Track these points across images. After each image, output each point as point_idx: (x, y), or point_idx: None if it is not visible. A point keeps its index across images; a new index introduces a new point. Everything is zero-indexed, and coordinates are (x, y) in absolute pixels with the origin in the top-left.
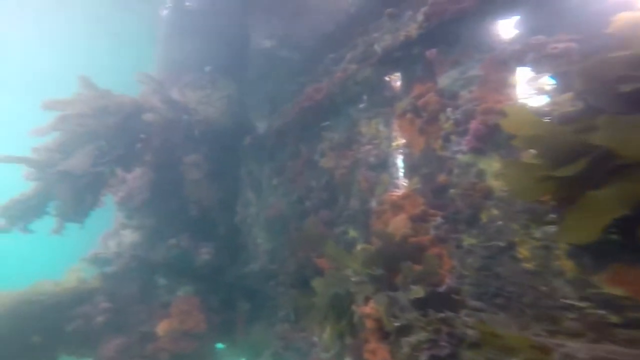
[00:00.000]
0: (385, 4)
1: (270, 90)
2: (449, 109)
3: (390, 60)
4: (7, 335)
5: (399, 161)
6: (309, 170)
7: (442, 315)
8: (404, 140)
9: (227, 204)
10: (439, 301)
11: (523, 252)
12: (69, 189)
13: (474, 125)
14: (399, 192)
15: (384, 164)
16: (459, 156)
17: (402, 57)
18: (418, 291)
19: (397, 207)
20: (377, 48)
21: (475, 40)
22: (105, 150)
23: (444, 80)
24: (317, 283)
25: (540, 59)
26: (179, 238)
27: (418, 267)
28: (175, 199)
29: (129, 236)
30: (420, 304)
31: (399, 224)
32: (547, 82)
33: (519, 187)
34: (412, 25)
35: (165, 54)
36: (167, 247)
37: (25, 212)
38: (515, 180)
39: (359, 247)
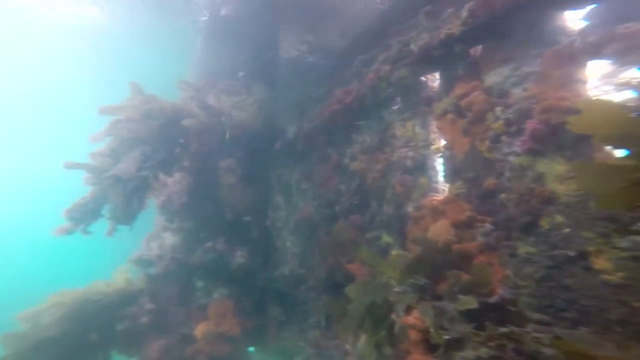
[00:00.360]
0: (421, 3)
1: (299, 94)
2: (498, 108)
3: (428, 60)
4: (70, 331)
5: (439, 164)
6: (339, 174)
7: (505, 329)
8: (444, 142)
9: (259, 207)
10: (493, 313)
11: (601, 262)
12: (120, 193)
13: (530, 124)
14: (440, 197)
15: (421, 167)
16: (512, 158)
17: (442, 56)
18: (469, 302)
19: (437, 212)
20: (414, 47)
21: (532, 35)
22: (149, 155)
23: (492, 77)
24: (351, 290)
25: (625, 50)
26: (215, 241)
27: (466, 276)
28: (211, 203)
29: (170, 239)
30: (472, 316)
31: (440, 230)
32: (634, 75)
33: (601, 193)
34: (454, 22)
35: (201, 61)
36: (203, 250)
37: (85, 215)
38: (595, 184)
39: (394, 253)
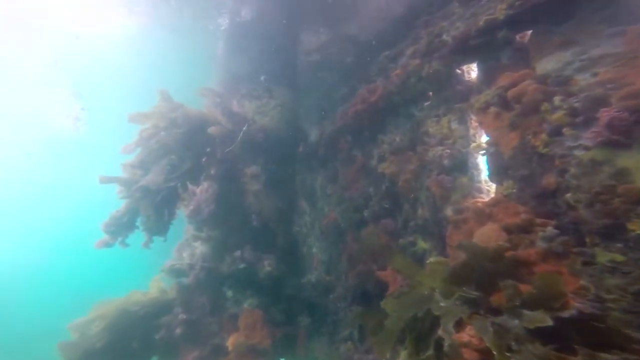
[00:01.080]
0: None
1: (321, 96)
2: (557, 98)
3: (465, 50)
4: (113, 341)
5: (481, 162)
6: (365, 177)
7: (608, 356)
8: (487, 138)
9: (284, 214)
10: (571, 330)
11: None
12: (150, 205)
13: (607, 113)
14: (485, 198)
15: (460, 167)
16: (579, 153)
17: (481, 45)
18: (541, 318)
19: (483, 215)
20: (447, 38)
21: (606, 13)
22: (176, 165)
23: (547, 64)
24: (388, 304)
25: None
26: (242, 250)
27: (526, 287)
28: (238, 211)
29: (200, 248)
30: (543, 334)
31: (488, 235)
32: None
33: None
34: (496, 6)
35: (223, 67)
36: (232, 259)
37: (121, 228)
38: None
39: (432, 260)
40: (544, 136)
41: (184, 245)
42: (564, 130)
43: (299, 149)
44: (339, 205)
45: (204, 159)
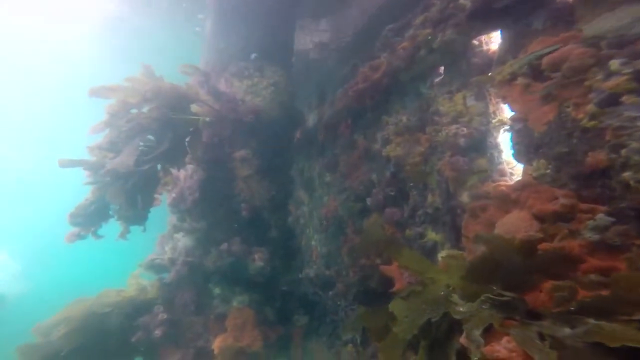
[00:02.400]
0: None
1: (319, 77)
2: (615, 61)
3: (487, 15)
4: (80, 347)
5: (503, 141)
6: (368, 163)
7: None
8: (511, 114)
9: (278, 203)
10: None
11: None
12: (119, 191)
13: None
14: (508, 181)
15: (478, 147)
16: None
17: (508, 8)
18: (626, 333)
19: (508, 201)
20: (465, 1)
21: None
22: (153, 146)
23: (603, 23)
24: (397, 306)
25: None
26: (230, 242)
27: (582, 290)
28: (225, 199)
29: (182, 240)
30: (608, 351)
31: (515, 225)
32: None
33: None
34: None
35: (211, 44)
36: (218, 252)
37: (90, 218)
38: None
39: (446, 254)
40: (590, 107)
41: (166, 238)
42: (624, 98)
43: (296, 135)
44: (339, 194)
45: (187, 140)
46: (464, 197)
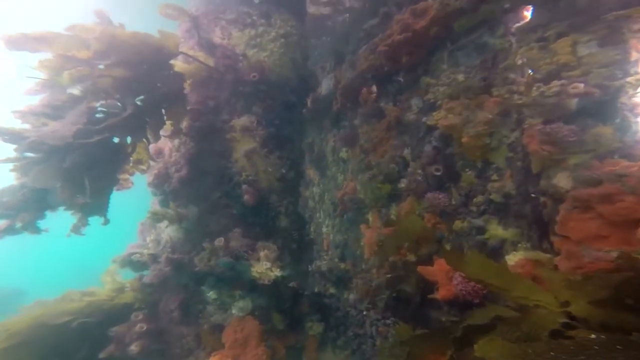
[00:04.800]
0: None
1: (337, 39)
2: None
3: None
4: None
5: None
6: (399, 136)
7: None
8: None
9: (289, 184)
10: None
11: None
12: (51, 171)
13: None
14: None
15: (600, 111)
16: None
17: None
18: None
19: None
20: None
21: None
22: (114, 112)
23: None
24: (490, 349)
25: None
26: (227, 236)
27: None
28: (222, 180)
29: (167, 231)
30: None
31: None
32: None
33: None
34: None
35: None
36: (211, 250)
37: (19, 208)
38: None
39: (518, 256)
40: None
41: (146, 227)
42: None
43: (308, 100)
44: (360, 173)
45: (164, 106)
46: (561, 181)
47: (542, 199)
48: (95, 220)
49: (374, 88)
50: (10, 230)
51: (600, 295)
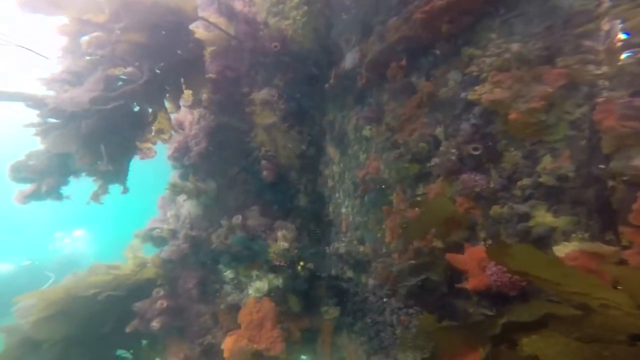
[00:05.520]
0: None
1: (365, 9)
2: None
3: None
4: (58, 336)
5: None
6: (431, 113)
7: None
8: None
9: (310, 161)
10: None
11: None
12: (69, 136)
13: None
14: None
15: None
16: None
17: None
18: None
19: None
20: None
21: None
22: (125, 78)
23: None
24: (537, 345)
25: None
26: (245, 214)
27: None
28: (240, 155)
29: (186, 206)
30: None
31: None
32: None
33: None
34: None
35: None
36: (228, 228)
37: (41, 173)
38: None
39: (570, 247)
40: None
41: (167, 201)
42: None
43: (329, 79)
44: (386, 151)
45: (182, 76)
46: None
47: (610, 183)
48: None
49: (404, 62)
50: (35, 195)
51: None
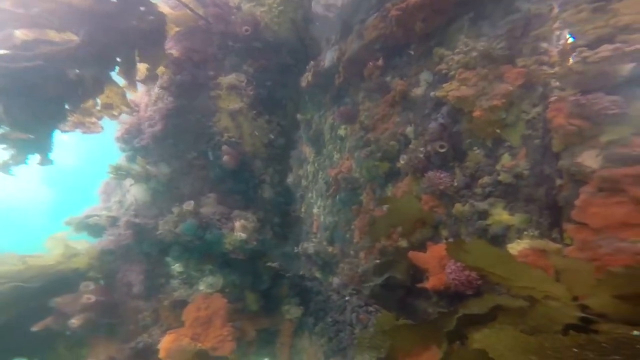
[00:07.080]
0: None
1: (345, 10)
2: None
3: None
4: None
5: None
6: (403, 112)
7: None
8: None
9: (278, 151)
10: None
11: None
12: None
13: None
14: None
15: None
16: None
17: None
18: None
19: None
20: None
21: None
22: (47, 40)
23: None
24: (489, 339)
25: None
26: (199, 200)
27: None
28: (199, 139)
29: (132, 190)
30: None
31: None
32: None
33: None
34: None
35: None
36: (178, 214)
37: None
38: None
39: (522, 245)
40: None
41: (112, 187)
42: None
43: (306, 78)
44: (357, 150)
45: (133, 52)
46: (587, 160)
47: (558, 181)
48: None
49: (381, 61)
50: None
51: (632, 290)
